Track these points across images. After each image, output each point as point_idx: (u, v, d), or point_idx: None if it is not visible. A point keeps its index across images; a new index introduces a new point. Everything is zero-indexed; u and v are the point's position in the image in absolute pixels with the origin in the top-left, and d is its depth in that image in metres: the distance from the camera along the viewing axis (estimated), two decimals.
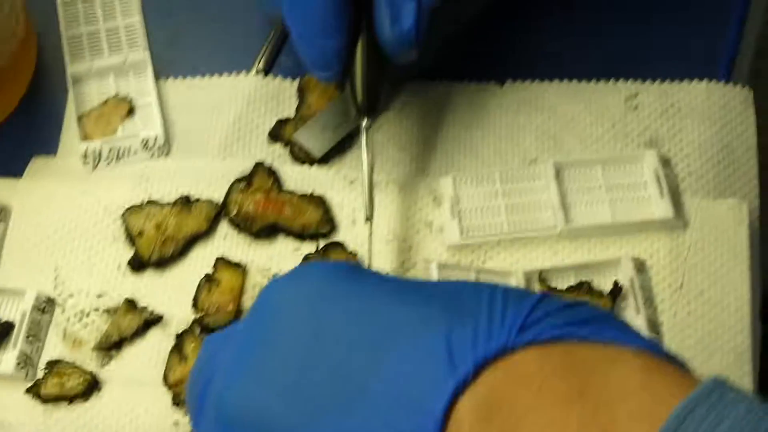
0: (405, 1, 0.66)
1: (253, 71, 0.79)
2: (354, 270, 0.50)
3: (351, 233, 0.73)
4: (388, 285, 0.49)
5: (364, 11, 0.68)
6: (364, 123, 0.70)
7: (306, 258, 0.71)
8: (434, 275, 0.68)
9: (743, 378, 0.68)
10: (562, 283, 0.70)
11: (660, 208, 0.72)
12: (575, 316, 0.46)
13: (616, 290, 0.69)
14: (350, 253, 0.71)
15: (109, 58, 0.79)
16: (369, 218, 0.69)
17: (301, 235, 0.73)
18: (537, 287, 0.70)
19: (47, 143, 0.77)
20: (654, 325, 0.69)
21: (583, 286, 0.70)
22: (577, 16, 0.80)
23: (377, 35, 0.67)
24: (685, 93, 0.77)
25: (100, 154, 0.75)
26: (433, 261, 0.69)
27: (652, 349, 0.46)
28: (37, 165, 0.76)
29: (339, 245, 0.72)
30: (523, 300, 0.46)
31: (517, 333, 0.44)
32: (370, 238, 0.70)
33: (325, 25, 0.66)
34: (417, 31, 0.67)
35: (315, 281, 0.50)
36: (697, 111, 0.76)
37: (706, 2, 0.80)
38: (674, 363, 0.45)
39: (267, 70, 0.79)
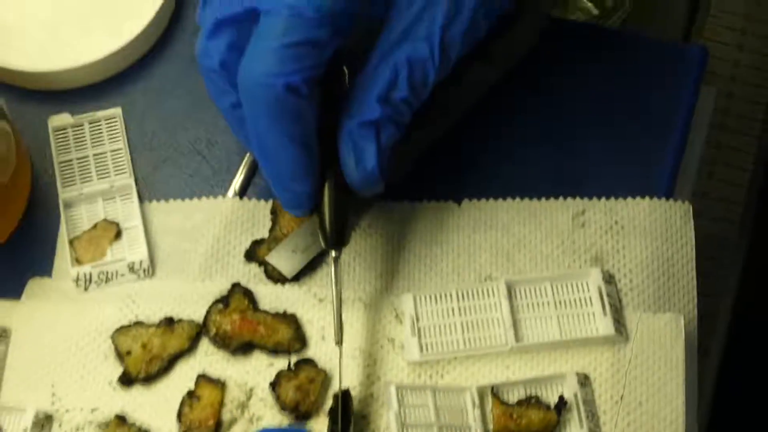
0: (366, 144, 0.72)
1: (230, 193, 0.84)
2: None
3: (321, 349, 0.78)
4: None
5: (329, 155, 0.74)
6: (333, 254, 0.76)
7: (279, 374, 0.77)
8: (393, 396, 0.74)
9: None
10: (512, 397, 0.76)
11: (602, 325, 0.77)
12: None
13: (561, 404, 0.75)
14: (320, 369, 0.77)
15: (98, 184, 0.84)
16: (339, 342, 0.75)
17: (275, 351, 0.78)
18: (490, 401, 0.76)
19: (43, 264, 0.83)
20: None
21: (532, 400, 0.76)
22: (526, 136, 0.86)
23: (345, 176, 0.73)
24: (629, 209, 0.82)
25: (90, 278, 0.81)
26: (392, 383, 0.74)
27: None
28: (33, 287, 0.81)
29: (310, 362, 0.78)
30: None
31: None
32: (340, 360, 0.76)
33: (294, 174, 0.72)
34: (380, 169, 0.73)
35: None
36: (640, 227, 0.81)
37: (649, 120, 0.86)
38: None
39: (242, 193, 0.84)
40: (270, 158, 0.72)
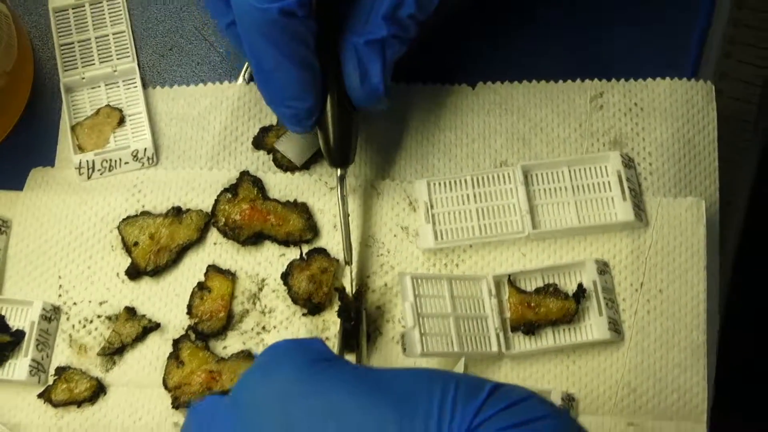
0: (371, 61, 0.69)
1: (239, 80, 0.80)
2: (323, 363, 0.54)
3: (333, 239, 0.75)
4: (351, 382, 0.52)
5: (331, 70, 0.70)
6: (338, 173, 0.72)
7: (291, 264, 0.74)
8: (408, 286, 0.71)
9: (698, 372, 0.71)
10: (529, 285, 0.73)
11: (622, 210, 0.74)
12: (519, 415, 0.49)
13: (580, 292, 0.72)
14: (333, 258, 0.74)
15: (100, 68, 0.80)
16: (348, 263, 0.73)
17: (286, 242, 0.75)
18: (506, 289, 0.73)
19: (47, 154, 0.79)
20: (616, 324, 0.72)
21: (550, 288, 0.72)
22: (545, 18, 0.81)
23: (348, 92, 0.69)
24: (649, 91, 0.78)
25: (93, 165, 0.77)
26: (407, 273, 0.71)
27: None
28: (36, 177, 0.78)
29: (322, 251, 0.75)
30: (472, 398, 0.49)
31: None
32: (351, 279, 0.73)
33: (294, 92, 0.68)
34: (385, 85, 0.70)
35: (283, 378, 0.53)
36: (660, 108, 0.77)
37: (672, 3, 0.80)
38: None
39: (251, 79, 0.80)
40: (269, 78, 0.68)
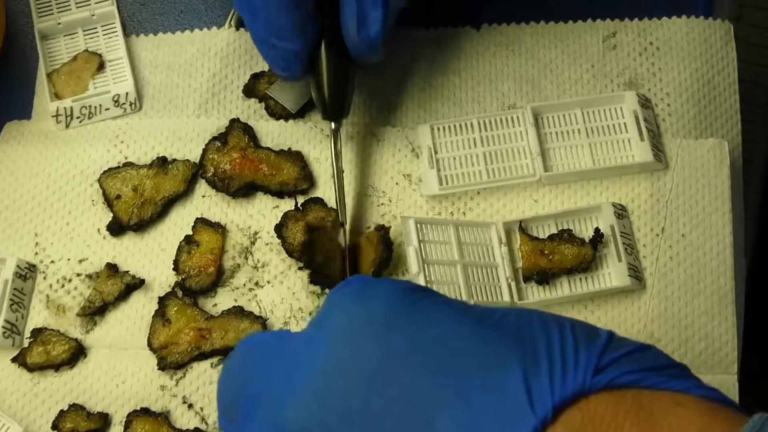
0: (372, 9, 0.63)
1: (226, 25, 0.75)
2: (421, 292, 0.48)
3: (330, 189, 0.70)
4: (456, 313, 0.46)
5: (328, 14, 0.65)
6: (332, 126, 0.67)
7: (286, 215, 0.69)
8: (412, 231, 0.65)
9: (727, 319, 0.66)
10: (542, 232, 0.68)
11: (640, 151, 0.69)
12: (646, 362, 0.45)
13: (597, 237, 0.67)
14: (330, 208, 0.69)
15: (77, 12, 0.75)
16: (342, 224, 0.68)
17: (279, 193, 0.70)
18: (517, 237, 0.67)
19: (23, 107, 0.74)
20: (636, 271, 0.66)
21: (564, 235, 0.67)
22: None
23: (344, 39, 0.64)
24: (665, 30, 0.73)
25: (71, 113, 0.72)
26: (411, 217, 0.66)
27: (715, 396, 0.45)
28: (11, 130, 0.73)
29: (318, 201, 0.69)
30: (594, 341, 0.45)
31: (592, 376, 0.43)
32: (345, 238, 0.68)
33: (282, 31, 0.63)
34: (383, 35, 0.64)
35: (382, 304, 0.47)
36: (677, 48, 0.73)
37: None
38: (735, 408, 0.45)
39: (240, 24, 0.75)
40: (256, 13, 0.63)
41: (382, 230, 0.67)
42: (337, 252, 0.68)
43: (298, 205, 0.69)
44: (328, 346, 0.46)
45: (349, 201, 0.69)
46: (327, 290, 0.68)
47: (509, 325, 0.45)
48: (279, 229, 0.68)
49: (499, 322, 0.46)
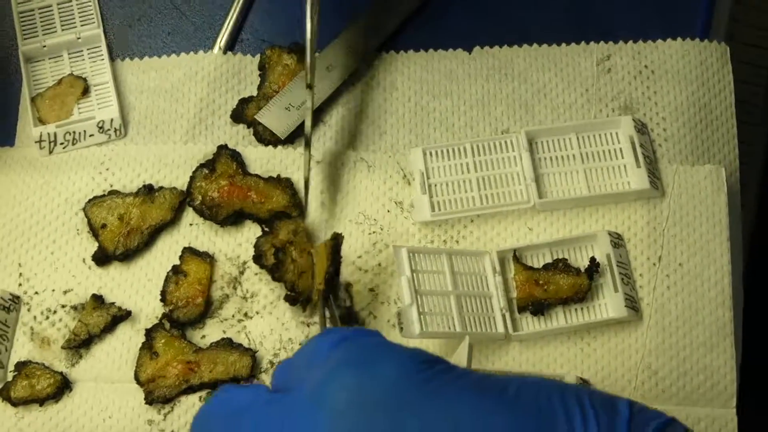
0: None
1: (215, 49, 0.74)
2: (432, 366, 0.44)
3: (320, 216, 0.69)
4: (471, 391, 0.43)
5: None
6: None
7: (259, 244, 0.67)
8: (404, 260, 0.64)
9: (726, 351, 0.65)
10: (537, 262, 0.67)
11: (636, 178, 0.67)
12: None
13: (593, 267, 0.65)
14: (296, 216, 0.68)
15: (62, 35, 0.74)
16: (310, 86, 0.66)
17: (268, 221, 0.68)
18: (512, 266, 0.66)
19: (7, 133, 0.73)
20: (633, 301, 0.65)
21: (559, 264, 0.66)
22: None
23: None
24: (660, 53, 0.72)
25: (55, 138, 0.71)
26: (403, 247, 0.65)
27: None
28: None
29: (284, 215, 0.68)
30: (616, 417, 0.42)
31: None
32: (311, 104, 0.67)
33: None
34: None
35: (392, 382, 0.42)
36: (673, 71, 0.71)
37: None
38: None
39: (228, 48, 0.74)
40: None
41: (334, 239, 0.65)
42: (310, 261, 0.66)
43: (264, 228, 0.68)
44: (331, 429, 0.42)
45: (340, 228, 0.68)
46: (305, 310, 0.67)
47: (528, 403, 0.43)
48: (258, 260, 0.67)
49: (517, 399, 0.43)
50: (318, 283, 0.65)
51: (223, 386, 0.50)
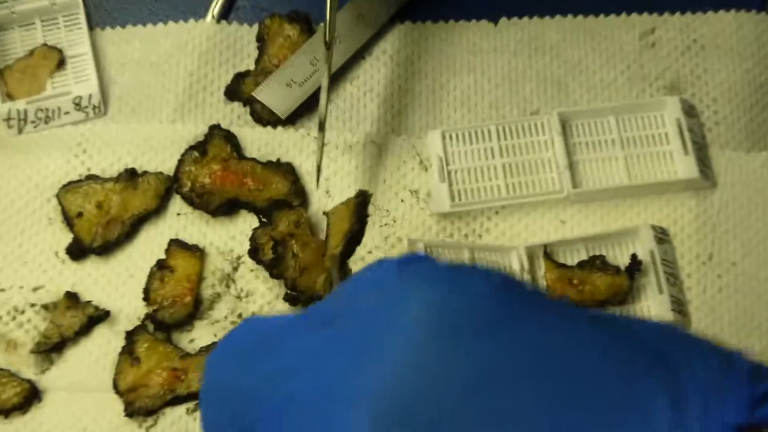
0: None
1: (208, 17, 0.73)
2: (520, 289, 0.41)
3: (326, 206, 0.68)
4: (573, 322, 0.40)
5: None
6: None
7: (255, 236, 0.67)
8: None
9: None
10: (571, 259, 0.65)
11: (684, 166, 0.66)
12: None
13: (635, 265, 0.64)
14: (298, 206, 0.67)
15: (34, 1, 0.73)
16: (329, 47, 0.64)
17: (266, 211, 0.67)
18: (542, 264, 0.64)
19: None
20: (680, 304, 0.64)
21: (596, 262, 0.64)
22: None
23: None
24: (711, 26, 0.71)
25: (25, 116, 0.70)
26: (419, 240, 0.63)
27: None
28: None
29: (284, 204, 0.67)
30: (734, 365, 0.40)
31: (750, 412, 0.39)
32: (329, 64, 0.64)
33: None
34: None
35: (481, 303, 0.39)
36: (725, 46, 0.70)
37: None
38: None
39: (223, 16, 0.73)
40: None
41: (360, 197, 0.64)
42: (313, 256, 0.66)
43: (262, 219, 0.67)
44: (406, 346, 0.38)
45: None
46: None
47: (646, 340, 0.40)
48: (254, 254, 0.66)
49: (632, 339, 0.40)
50: (334, 246, 0.64)
51: (245, 319, 0.48)
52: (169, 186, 0.68)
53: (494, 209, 0.67)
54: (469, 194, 0.67)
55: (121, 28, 0.73)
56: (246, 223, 0.67)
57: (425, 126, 0.70)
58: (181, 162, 0.68)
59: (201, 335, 0.65)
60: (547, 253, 0.65)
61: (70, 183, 0.68)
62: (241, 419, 0.42)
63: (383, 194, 0.67)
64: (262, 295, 0.66)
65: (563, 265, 0.64)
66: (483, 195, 0.67)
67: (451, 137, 0.68)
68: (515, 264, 0.65)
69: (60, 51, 0.71)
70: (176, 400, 0.64)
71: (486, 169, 0.67)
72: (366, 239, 0.66)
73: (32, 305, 0.66)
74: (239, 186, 0.67)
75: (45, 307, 0.66)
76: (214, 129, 0.69)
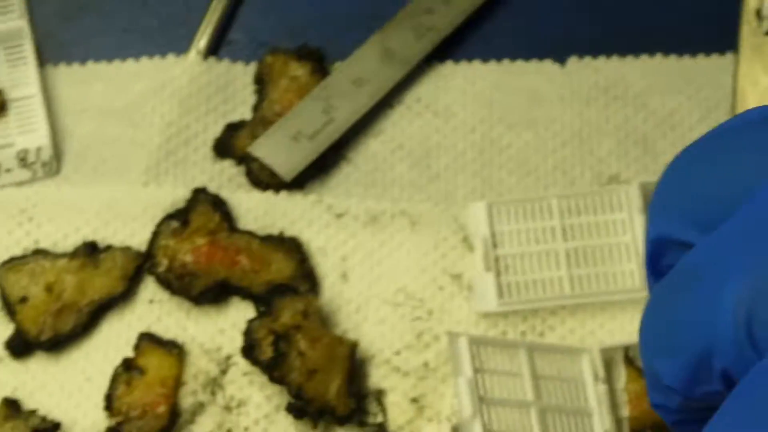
0: None
1: (192, 53, 0.81)
2: None
3: (342, 295, 0.75)
4: None
5: None
6: None
7: (251, 330, 0.72)
8: (464, 354, 0.70)
9: None
10: None
11: None
12: None
13: None
14: (306, 292, 0.74)
15: None
16: None
17: (265, 298, 0.74)
18: (622, 371, 0.72)
19: None
20: None
21: None
22: None
23: None
24: None
25: None
26: (462, 335, 0.71)
27: None
28: None
29: (287, 289, 0.74)
30: None
31: None
32: None
33: None
34: None
35: None
36: None
37: None
38: None
39: (211, 51, 0.81)
40: None
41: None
42: (325, 355, 0.71)
43: (260, 308, 0.74)
44: None
45: (370, 311, 0.74)
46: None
47: None
48: (249, 352, 0.72)
49: None
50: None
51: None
52: (140, 264, 0.75)
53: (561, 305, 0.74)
54: (522, 289, 0.74)
55: (80, 66, 0.81)
56: (239, 312, 0.74)
57: (470, 193, 0.77)
58: (155, 234, 0.75)
59: None
60: (630, 357, 0.72)
61: (11, 259, 0.75)
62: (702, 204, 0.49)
63: (416, 279, 0.75)
64: (258, 406, 0.72)
65: None
66: (540, 290, 0.74)
67: (500, 211, 0.75)
68: (587, 370, 0.72)
69: (0, 92, 0.79)
70: None
71: (545, 256, 0.74)
72: (393, 337, 0.74)
73: None
74: (230, 266, 0.74)
75: None
76: (199, 193, 0.76)
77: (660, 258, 0.51)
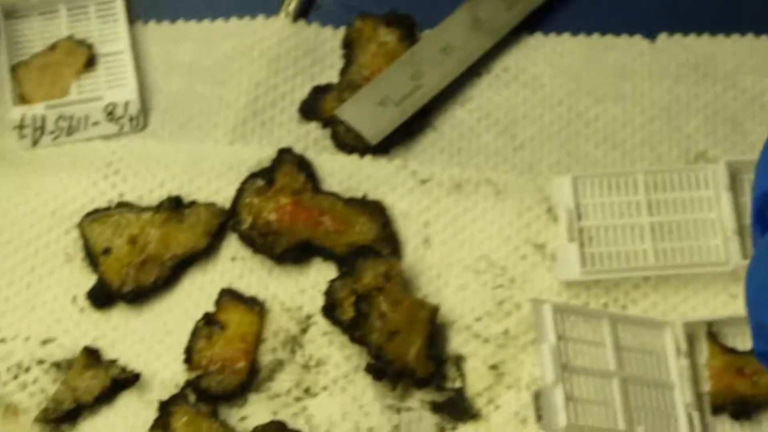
0: None
1: (281, 15, 0.81)
2: None
3: (424, 260, 0.75)
4: None
5: None
6: None
7: (332, 290, 0.73)
8: (548, 321, 0.70)
9: None
10: (742, 342, 0.72)
11: None
12: None
13: None
14: (389, 256, 0.74)
15: None
16: None
17: (347, 259, 0.74)
18: (704, 347, 0.71)
19: None
20: None
21: None
22: None
23: None
24: None
25: (43, 124, 0.77)
26: (546, 302, 0.71)
27: None
28: None
29: (369, 251, 0.74)
30: None
31: None
32: None
33: None
34: None
35: None
36: None
37: None
38: None
39: (300, 14, 0.81)
40: None
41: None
42: (406, 318, 0.72)
43: (341, 268, 0.74)
44: None
45: (449, 279, 0.74)
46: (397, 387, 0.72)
47: None
48: (330, 312, 0.72)
49: None
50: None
51: None
52: (224, 221, 0.75)
53: (643, 277, 0.74)
54: (606, 260, 0.74)
55: (170, 24, 0.81)
56: (320, 273, 0.74)
57: (555, 164, 0.77)
58: (240, 192, 0.75)
59: (255, 412, 0.71)
60: (712, 333, 0.72)
61: (96, 211, 0.75)
62: None
63: (499, 247, 0.75)
64: (337, 366, 0.72)
65: (732, 351, 0.71)
66: (624, 262, 0.74)
67: (586, 184, 0.75)
68: (669, 345, 0.72)
69: (90, 47, 0.79)
70: None
71: (630, 229, 0.74)
72: (474, 304, 0.74)
73: (40, 362, 0.73)
74: (314, 226, 0.74)
75: (56, 365, 0.73)
76: (285, 153, 0.76)
77: (766, 212, 0.51)
